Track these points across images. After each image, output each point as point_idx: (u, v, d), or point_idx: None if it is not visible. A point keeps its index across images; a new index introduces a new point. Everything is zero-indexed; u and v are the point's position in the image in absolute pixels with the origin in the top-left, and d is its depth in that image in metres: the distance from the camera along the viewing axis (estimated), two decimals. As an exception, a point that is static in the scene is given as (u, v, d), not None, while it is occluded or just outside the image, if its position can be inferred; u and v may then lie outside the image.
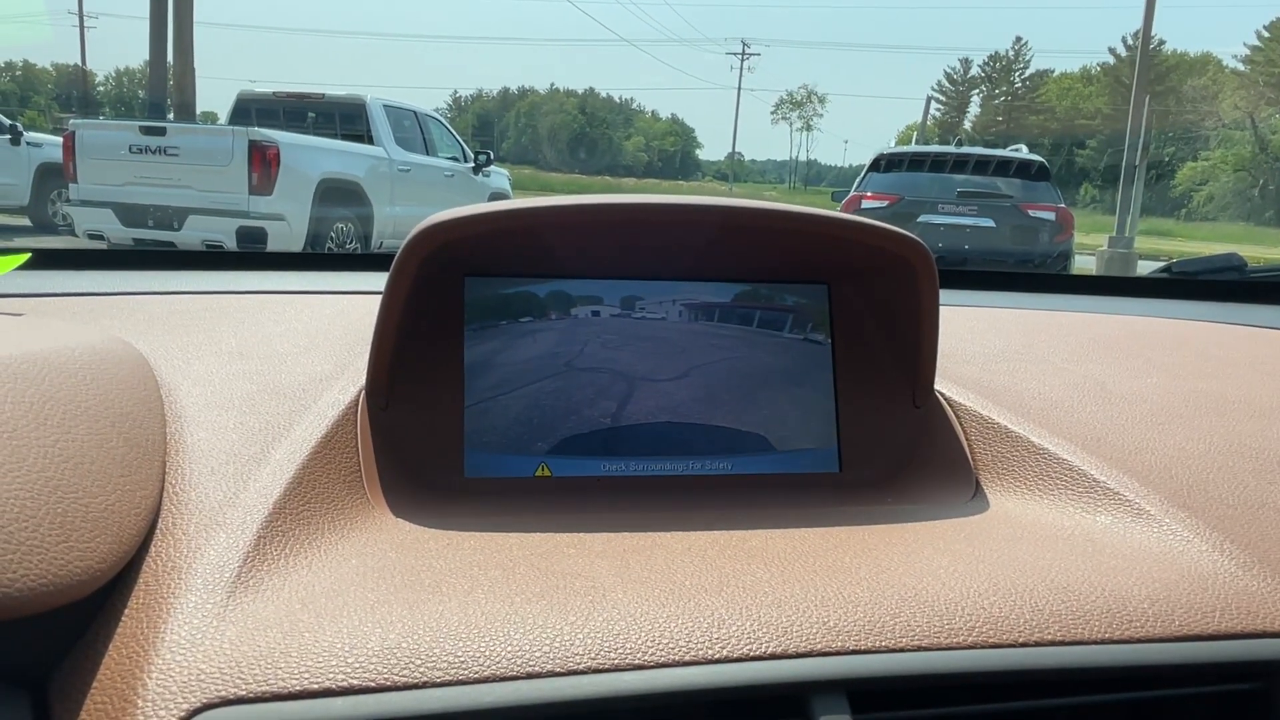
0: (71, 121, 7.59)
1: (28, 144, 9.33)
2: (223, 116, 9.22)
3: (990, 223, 7.67)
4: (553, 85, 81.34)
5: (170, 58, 11.27)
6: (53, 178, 8.98)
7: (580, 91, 79.61)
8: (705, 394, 0.67)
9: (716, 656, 0.44)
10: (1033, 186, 7.98)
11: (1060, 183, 9.20)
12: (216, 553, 0.47)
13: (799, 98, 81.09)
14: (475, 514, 0.59)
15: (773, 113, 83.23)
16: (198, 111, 12.73)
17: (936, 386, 0.71)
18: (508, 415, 0.65)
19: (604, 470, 0.65)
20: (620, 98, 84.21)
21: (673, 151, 79.40)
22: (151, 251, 1.14)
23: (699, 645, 0.44)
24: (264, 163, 6.66)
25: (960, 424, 0.69)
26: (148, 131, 6.94)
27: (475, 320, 0.66)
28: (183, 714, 0.39)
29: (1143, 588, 0.51)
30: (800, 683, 0.44)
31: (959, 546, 0.55)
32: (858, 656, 0.45)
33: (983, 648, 0.46)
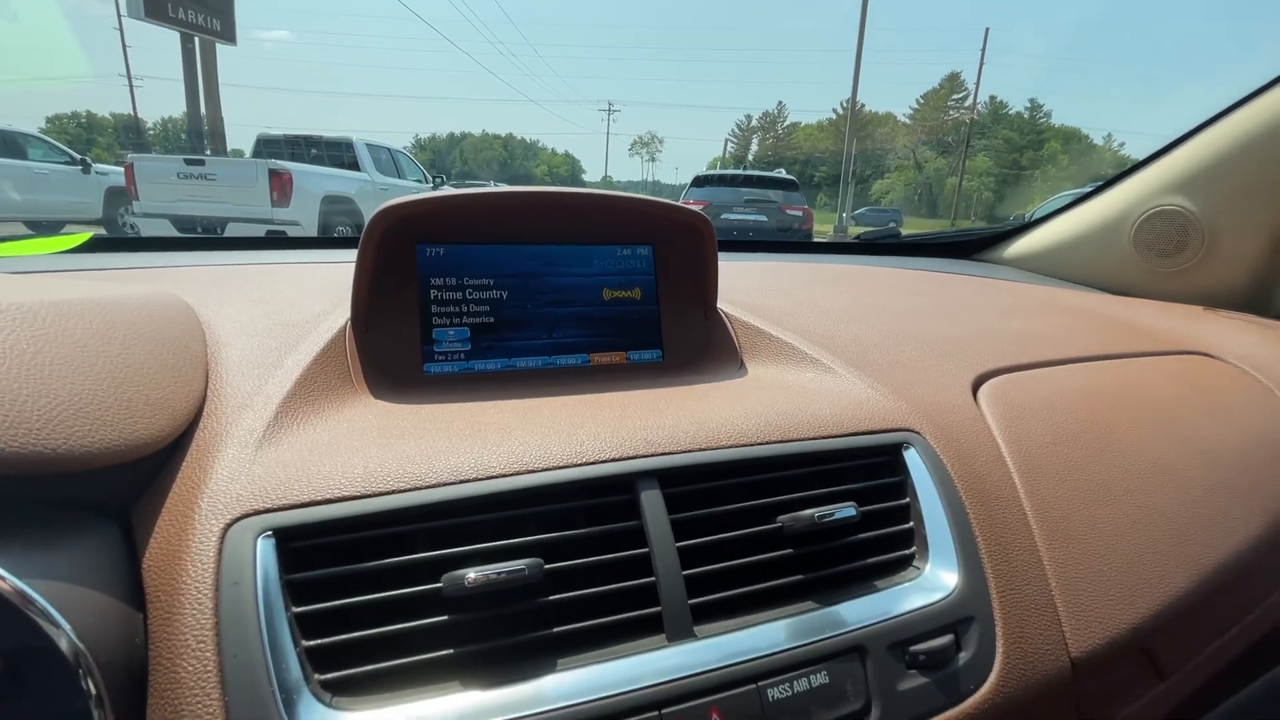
0: (130, 156, 6.65)
1: (96, 172, 8.12)
2: (247, 152, 8.29)
3: (764, 218, 7.85)
4: (484, 131, 76.77)
5: (203, 108, 10.00)
6: (119, 197, 7.88)
7: (503, 135, 75.72)
8: (581, 315, 0.67)
9: (577, 462, 0.45)
10: (789, 195, 8.18)
11: (805, 192, 9.47)
12: (247, 424, 0.45)
13: (646, 139, 79.83)
14: (430, 396, 0.57)
15: (629, 149, 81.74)
16: (228, 148, 11.39)
17: (719, 306, 0.73)
18: (451, 335, 0.63)
19: (518, 366, 0.65)
20: (529, 139, 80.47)
21: (566, 175, 76.82)
22: (193, 237, 1.01)
23: (567, 456, 0.45)
24: (281, 185, 6.10)
25: (733, 328, 0.71)
26: (190, 163, 6.21)
27: (425, 273, 0.63)
28: (226, 522, 0.37)
29: (829, 410, 0.55)
30: (629, 474, 0.45)
31: (728, 395, 0.58)
32: (665, 457, 0.47)
33: (738, 446, 0.49)
